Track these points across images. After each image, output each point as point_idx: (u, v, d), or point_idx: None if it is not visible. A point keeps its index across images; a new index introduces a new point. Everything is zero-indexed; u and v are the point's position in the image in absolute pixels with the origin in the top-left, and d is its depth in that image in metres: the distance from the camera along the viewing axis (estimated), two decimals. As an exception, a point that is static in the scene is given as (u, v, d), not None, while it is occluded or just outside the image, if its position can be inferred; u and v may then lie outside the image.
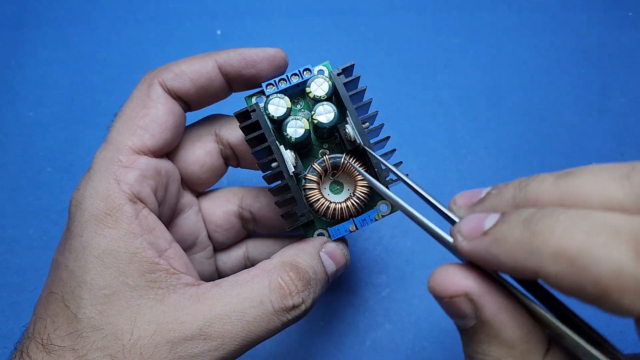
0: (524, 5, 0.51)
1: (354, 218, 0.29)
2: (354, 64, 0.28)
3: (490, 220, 0.19)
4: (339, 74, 0.28)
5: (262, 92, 0.29)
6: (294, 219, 0.28)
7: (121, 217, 0.25)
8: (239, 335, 0.24)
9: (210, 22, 0.49)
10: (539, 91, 0.47)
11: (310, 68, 0.29)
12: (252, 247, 0.35)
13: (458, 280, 0.19)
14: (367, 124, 0.28)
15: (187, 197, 0.32)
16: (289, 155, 0.27)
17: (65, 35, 0.48)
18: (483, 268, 0.20)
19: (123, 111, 0.28)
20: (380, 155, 0.28)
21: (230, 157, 0.32)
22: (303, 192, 0.28)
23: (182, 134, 0.31)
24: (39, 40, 0.48)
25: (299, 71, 0.28)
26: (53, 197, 0.42)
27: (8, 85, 0.45)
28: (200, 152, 0.31)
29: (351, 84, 0.28)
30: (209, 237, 0.33)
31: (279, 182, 0.28)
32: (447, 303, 0.20)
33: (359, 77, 0.28)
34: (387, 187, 0.27)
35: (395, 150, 0.29)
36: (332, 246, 0.29)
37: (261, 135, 0.27)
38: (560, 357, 0.19)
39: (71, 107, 0.45)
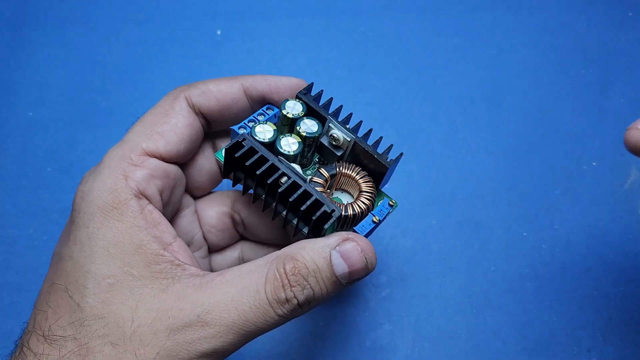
0: (524, 5, 0.51)
1: (371, 212, 0.29)
2: (312, 84, 0.30)
3: None
4: (304, 94, 0.29)
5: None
6: (323, 221, 0.26)
7: (127, 211, 0.26)
8: (236, 324, 0.24)
9: (210, 22, 0.49)
10: (539, 91, 0.47)
11: (272, 106, 0.30)
12: (247, 249, 0.35)
13: None
14: (348, 125, 0.29)
15: (185, 198, 0.33)
16: (296, 166, 0.27)
17: (65, 35, 0.48)
18: None
19: (145, 116, 0.29)
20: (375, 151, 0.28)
21: None
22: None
23: (197, 149, 0.31)
24: (39, 40, 0.48)
25: (263, 110, 0.30)
26: (53, 197, 0.41)
27: (8, 85, 0.45)
28: (203, 161, 0.32)
29: (318, 99, 0.30)
30: (204, 237, 0.34)
31: (296, 194, 0.26)
32: None
33: (322, 91, 0.30)
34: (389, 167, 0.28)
35: (392, 145, 0.29)
36: (349, 246, 0.26)
37: (259, 158, 0.26)
38: None
39: (71, 107, 0.45)
